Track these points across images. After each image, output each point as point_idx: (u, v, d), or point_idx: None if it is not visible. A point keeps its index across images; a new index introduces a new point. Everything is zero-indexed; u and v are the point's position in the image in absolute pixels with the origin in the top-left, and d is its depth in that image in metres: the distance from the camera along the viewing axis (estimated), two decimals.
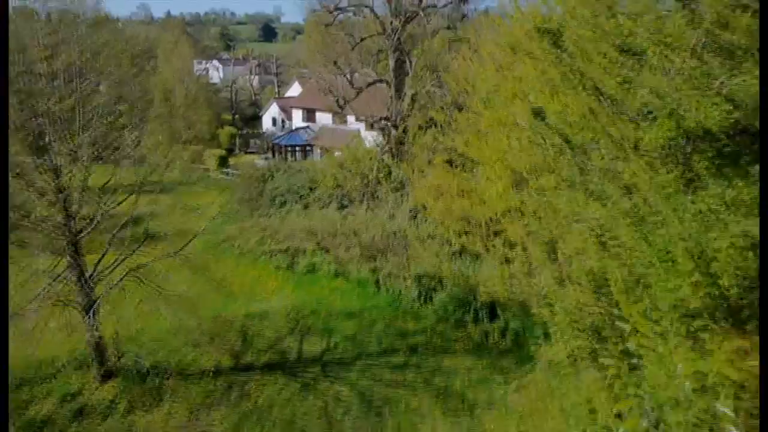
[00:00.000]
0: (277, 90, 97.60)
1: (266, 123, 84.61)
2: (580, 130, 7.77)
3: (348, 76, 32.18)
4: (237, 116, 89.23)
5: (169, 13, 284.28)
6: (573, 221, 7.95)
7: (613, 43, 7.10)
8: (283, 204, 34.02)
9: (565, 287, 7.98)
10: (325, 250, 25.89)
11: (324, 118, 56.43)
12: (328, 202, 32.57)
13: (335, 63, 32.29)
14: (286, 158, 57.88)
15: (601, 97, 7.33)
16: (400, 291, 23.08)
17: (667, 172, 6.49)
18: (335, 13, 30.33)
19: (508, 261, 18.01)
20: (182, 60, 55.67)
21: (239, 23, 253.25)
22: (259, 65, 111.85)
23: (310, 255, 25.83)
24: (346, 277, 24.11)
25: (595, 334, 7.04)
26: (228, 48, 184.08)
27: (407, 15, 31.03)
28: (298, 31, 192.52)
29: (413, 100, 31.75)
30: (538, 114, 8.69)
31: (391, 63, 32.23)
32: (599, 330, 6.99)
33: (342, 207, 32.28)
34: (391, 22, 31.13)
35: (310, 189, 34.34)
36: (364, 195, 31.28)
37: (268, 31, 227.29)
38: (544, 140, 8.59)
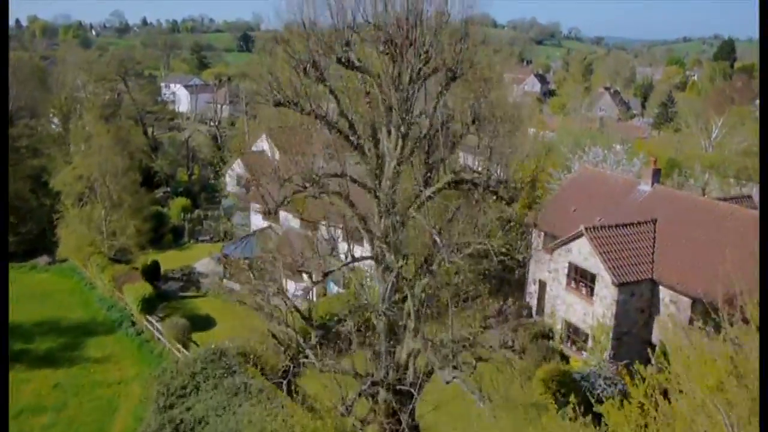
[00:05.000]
0: (246, 129, 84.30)
1: (230, 184, 72.12)
2: None
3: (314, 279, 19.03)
4: (194, 176, 75.79)
5: (144, 20, 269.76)
6: None
7: None
8: None
9: None
10: None
11: (290, 216, 43.58)
12: None
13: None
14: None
15: None
16: None
17: None
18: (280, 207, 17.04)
19: None
20: (106, 152, 42.34)
21: (218, 31, 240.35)
22: (230, 102, 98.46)
23: None
24: None
25: None
26: (202, 65, 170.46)
27: (400, 216, 18.00)
28: (277, 40, 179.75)
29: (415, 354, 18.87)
30: None
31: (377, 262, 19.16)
32: None
33: None
34: (380, 214, 18.15)
35: None
36: None
37: (248, 41, 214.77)
38: None
